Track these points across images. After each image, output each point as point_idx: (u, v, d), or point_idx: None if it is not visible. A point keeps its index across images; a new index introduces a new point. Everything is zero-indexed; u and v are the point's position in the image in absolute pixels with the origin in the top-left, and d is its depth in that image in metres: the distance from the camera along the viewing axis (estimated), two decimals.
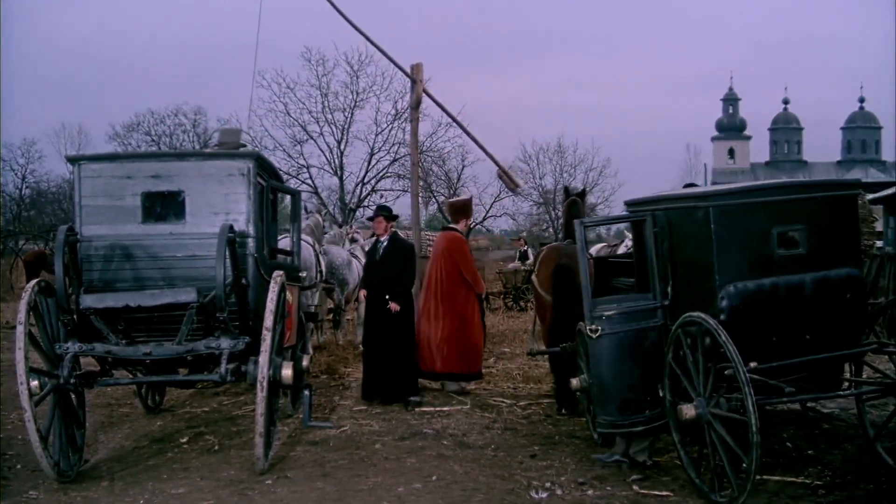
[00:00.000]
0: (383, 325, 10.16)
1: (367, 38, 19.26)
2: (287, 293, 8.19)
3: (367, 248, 13.08)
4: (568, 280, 9.01)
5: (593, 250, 14.79)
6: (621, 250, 15.52)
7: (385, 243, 10.49)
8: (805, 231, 6.56)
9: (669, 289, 7.01)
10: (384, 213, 10.72)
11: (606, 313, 7.03)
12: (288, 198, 10.39)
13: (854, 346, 6.79)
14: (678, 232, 6.91)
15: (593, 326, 6.96)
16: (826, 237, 6.62)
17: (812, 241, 6.56)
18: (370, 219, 10.74)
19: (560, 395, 9.46)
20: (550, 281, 9.50)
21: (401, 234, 21.25)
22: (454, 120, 23.51)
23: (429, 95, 20.79)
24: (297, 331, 9.33)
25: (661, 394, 6.93)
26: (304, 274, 10.12)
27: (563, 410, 9.36)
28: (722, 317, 6.33)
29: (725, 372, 6.02)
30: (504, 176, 20.71)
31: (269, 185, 8.53)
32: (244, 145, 9.44)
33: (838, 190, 6.94)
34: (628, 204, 7.76)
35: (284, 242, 10.37)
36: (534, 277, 10.29)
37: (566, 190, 11.44)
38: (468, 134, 22.77)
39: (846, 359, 7.05)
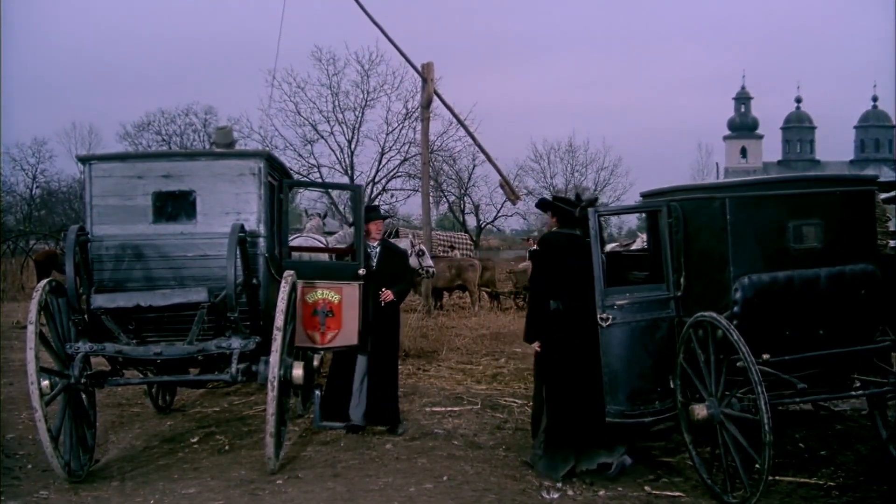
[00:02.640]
0: (381, 342, 8.93)
1: (381, 30, 19.33)
2: (333, 293, 8.17)
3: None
4: None
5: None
6: (637, 245, 15.48)
7: (378, 249, 9.10)
8: (821, 225, 6.54)
9: (682, 279, 6.97)
10: (381, 215, 9.43)
11: (618, 302, 6.99)
12: (298, 198, 10.37)
13: (867, 343, 6.75)
14: (693, 223, 6.88)
15: (604, 315, 6.92)
16: (842, 232, 6.59)
17: (828, 235, 6.53)
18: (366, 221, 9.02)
19: None
20: None
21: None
22: (462, 124, 23.61)
23: (439, 97, 20.86)
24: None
25: (671, 385, 6.90)
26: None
27: None
28: (735, 308, 6.31)
29: (738, 364, 5.99)
30: (505, 186, 20.85)
31: (281, 183, 8.53)
32: (236, 141, 9.40)
33: (855, 185, 6.91)
34: (644, 195, 7.73)
35: (298, 241, 10.33)
36: None
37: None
38: (474, 140, 22.95)
39: (859, 355, 7.01)
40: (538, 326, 7.60)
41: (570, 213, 7.72)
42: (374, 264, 8.97)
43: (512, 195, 21.28)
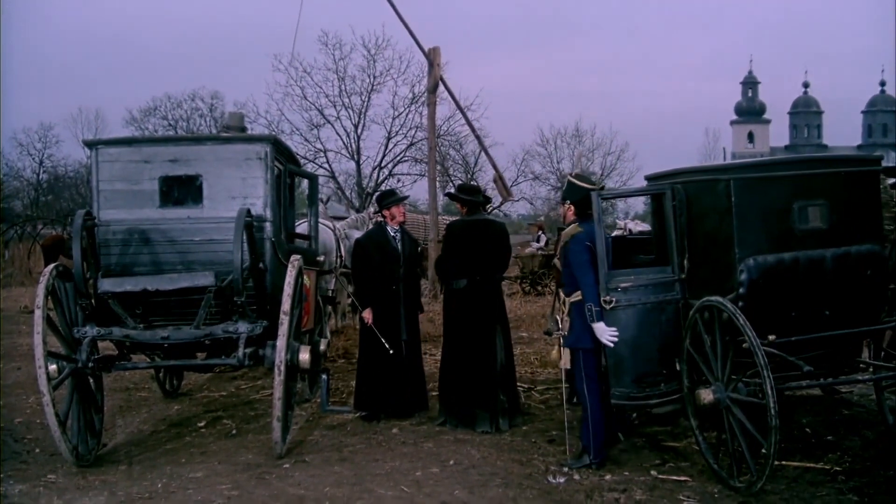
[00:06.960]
0: (413, 331, 8.96)
1: (395, 8, 19.27)
2: (305, 277, 8.16)
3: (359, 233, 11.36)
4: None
5: None
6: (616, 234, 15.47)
7: (399, 234, 9.00)
8: (826, 206, 6.50)
9: (686, 262, 6.94)
10: (399, 198, 9.23)
11: (623, 284, 6.92)
12: (304, 183, 10.35)
13: (874, 324, 6.73)
14: (697, 205, 6.83)
15: (608, 297, 6.86)
16: (847, 213, 6.55)
17: (833, 216, 6.50)
18: (388, 206, 8.97)
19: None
20: None
21: (419, 218, 20.75)
22: (464, 115, 23.61)
23: (444, 85, 20.80)
24: (315, 315, 9.31)
25: (677, 368, 6.88)
26: (322, 258, 10.07)
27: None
28: (741, 290, 6.28)
29: (744, 345, 5.96)
30: (499, 182, 20.90)
31: (286, 168, 8.51)
32: (245, 128, 9.38)
33: (860, 165, 6.85)
34: (648, 178, 7.70)
35: (304, 227, 10.34)
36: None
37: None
38: (474, 132, 23.03)
39: (865, 336, 6.99)
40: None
41: (473, 201, 8.77)
42: (401, 249, 8.87)
43: (504, 192, 21.38)
